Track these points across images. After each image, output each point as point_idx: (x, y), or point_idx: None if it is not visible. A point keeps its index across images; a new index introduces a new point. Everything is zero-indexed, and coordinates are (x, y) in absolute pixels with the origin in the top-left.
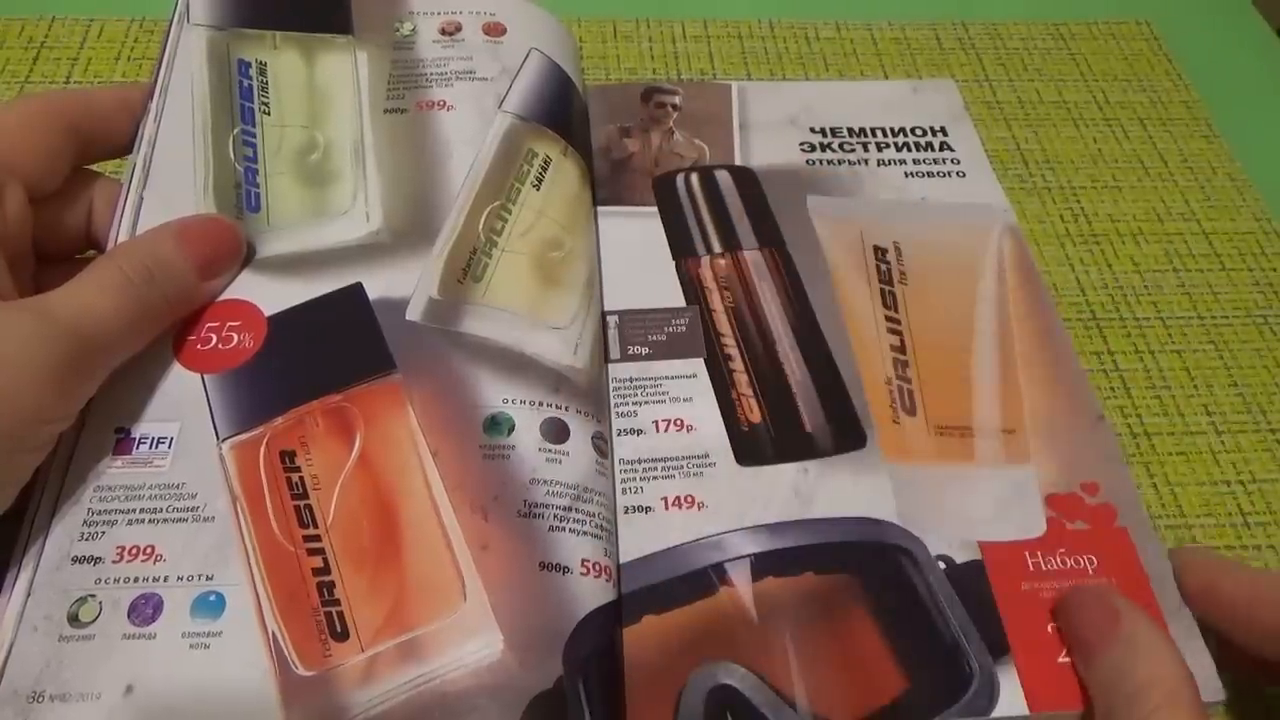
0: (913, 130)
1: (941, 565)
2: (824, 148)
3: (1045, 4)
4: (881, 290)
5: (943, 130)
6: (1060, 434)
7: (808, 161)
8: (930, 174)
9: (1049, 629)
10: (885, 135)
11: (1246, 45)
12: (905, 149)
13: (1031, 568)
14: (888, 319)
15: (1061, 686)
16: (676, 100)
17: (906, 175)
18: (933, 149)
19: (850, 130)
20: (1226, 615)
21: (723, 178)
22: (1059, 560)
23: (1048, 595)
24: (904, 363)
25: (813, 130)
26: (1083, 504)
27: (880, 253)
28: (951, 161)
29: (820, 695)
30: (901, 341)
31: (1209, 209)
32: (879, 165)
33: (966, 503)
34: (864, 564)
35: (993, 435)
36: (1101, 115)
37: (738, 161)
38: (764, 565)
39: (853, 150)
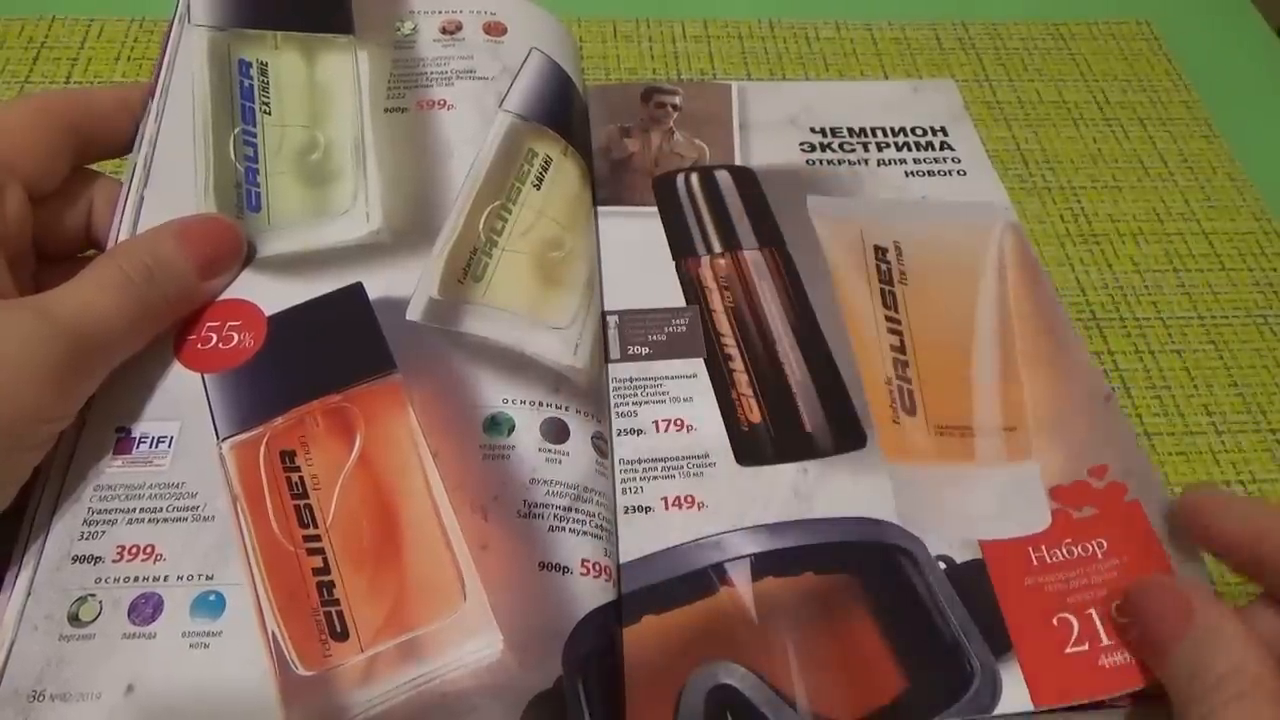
0: (913, 130)
1: (941, 565)
2: (824, 148)
3: (1045, 4)
4: (882, 290)
5: (943, 130)
6: (1066, 422)
7: (808, 162)
8: (931, 173)
9: (1054, 622)
10: (885, 135)
11: (1246, 45)
12: (905, 148)
13: (1035, 562)
14: (888, 319)
15: (1067, 680)
16: (676, 100)
17: (907, 175)
18: (933, 148)
19: (850, 130)
20: (1230, 553)
21: (723, 178)
22: (1064, 551)
23: (1052, 589)
24: (904, 363)
25: (813, 130)
26: (1090, 490)
27: (880, 252)
28: (952, 160)
29: (820, 695)
30: (901, 341)
31: (1209, 209)
32: (879, 165)
33: (967, 502)
34: (864, 564)
35: (994, 434)
36: (1101, 115)
37: (738, 161)
38: (764, 565)
39: (853, 150)
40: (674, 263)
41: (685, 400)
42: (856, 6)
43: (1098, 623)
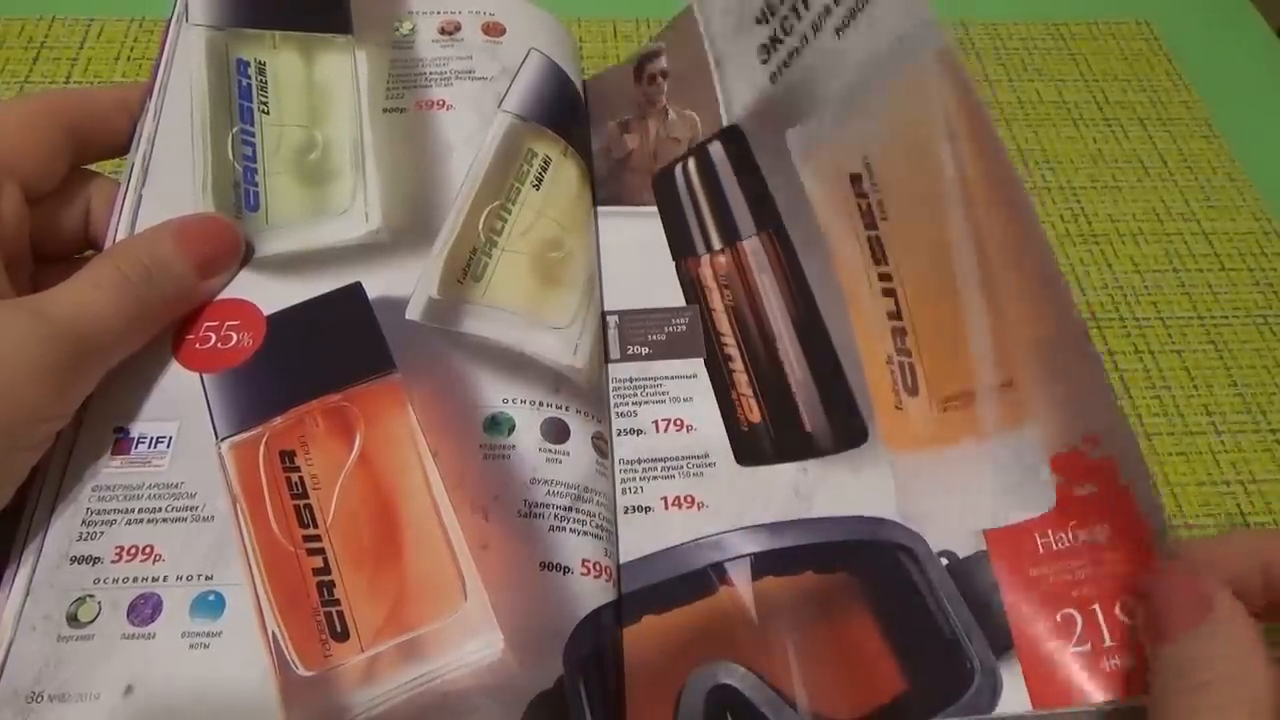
0: None
1: (944, 561)
2: (773, 42)
3: (1045, 4)
4: (869, 240)
5: None
6: (1054, 361)
7: (770, 77)
8: (853, 11)
9: (1057, 619)
10: None
11: (1246, 45)
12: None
13: (1041, 549)
14: (881, 276)
15: (1067, 683)
16: (664, 65)
17: (837, 32)
18: None
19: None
20: (1242, 588)
21: (715, 151)
22: (1070, 536)
23: (1057, 581)
24: (902, 330)
25: (758, 20)
26: (1086, 462)
27: (856, 181)
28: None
29: (820, 695)
30: (896, 305)
31: (1209, 209)
32: (814, 32)
33: (971, 488)
34: (864, 563)
35: (992, 394)
36: (1101, 115)
37: (722, 111)
38: (764, 565)
39: (788, 20)
40: (674, 263)
41: (685, 400)
42: None
43: (1101, 621)
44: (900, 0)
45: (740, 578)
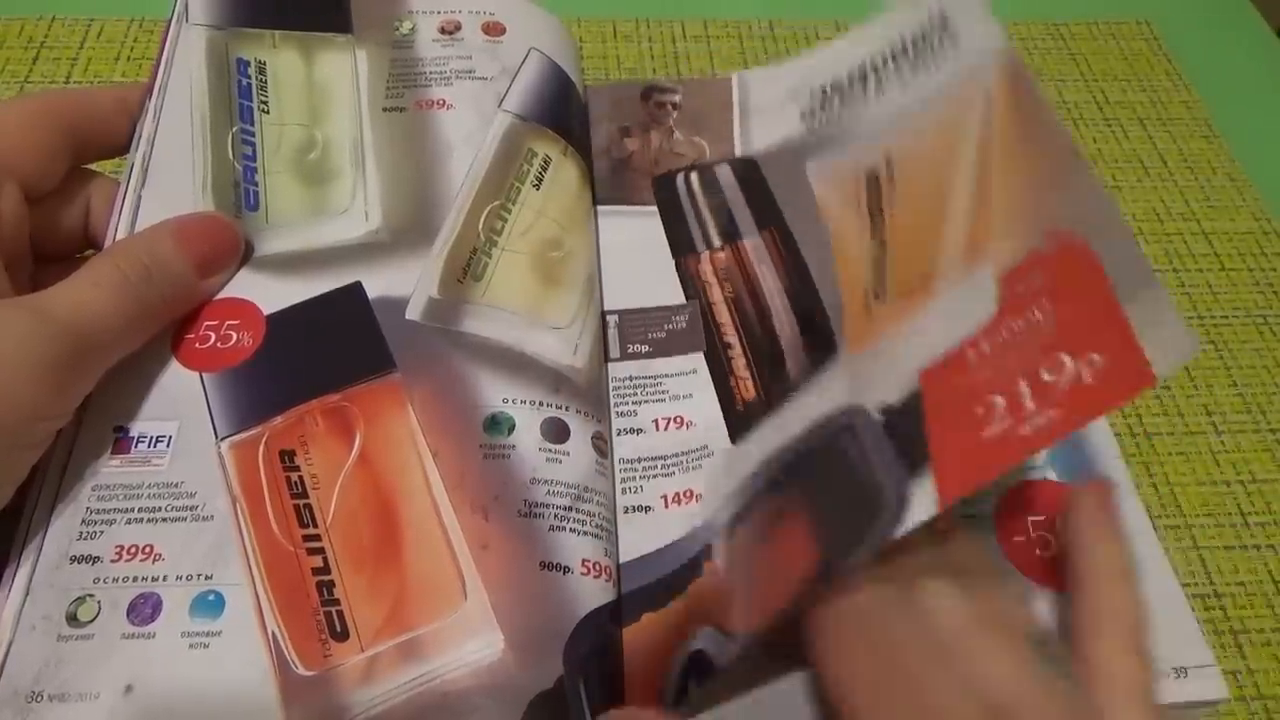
0: (913, 41)
1: (881, 418)
2: (825, 106)
3: (1045, 4)
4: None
5: (942, 18)
6: (1030, 196)
7: (809, 129)
8: (929, 67)
9: (978, 411)
10: (884, 62)
11: (1246, 45)
12: (904, 63)
13: (973, 360)
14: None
15: (976, 466)
16: (676, 99)
17: (904, 86)
18: (931, 48)
19: (850, 78)
20: None
21: (723, 173)
22: (1002, 333)
23: (983, 378)
24: (884, 276)
25: (812, 94)
26: (1039, 256)
27: (872, 181)
28: (950, 45)
29: (754, 613)
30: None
31: (1209, 209)
32: (878, 95)
33: (915, 338)
34: (808, 466)
35: (954, 260)
36: (1101, 115)
37: (738, 152)
38: (734, 523)
39: (854, 97)
40: (674, 261)
41: (685, 397)
42: (856, 6)
43: (1024, 390)
44: (970, 30)
45: (719, 548)
